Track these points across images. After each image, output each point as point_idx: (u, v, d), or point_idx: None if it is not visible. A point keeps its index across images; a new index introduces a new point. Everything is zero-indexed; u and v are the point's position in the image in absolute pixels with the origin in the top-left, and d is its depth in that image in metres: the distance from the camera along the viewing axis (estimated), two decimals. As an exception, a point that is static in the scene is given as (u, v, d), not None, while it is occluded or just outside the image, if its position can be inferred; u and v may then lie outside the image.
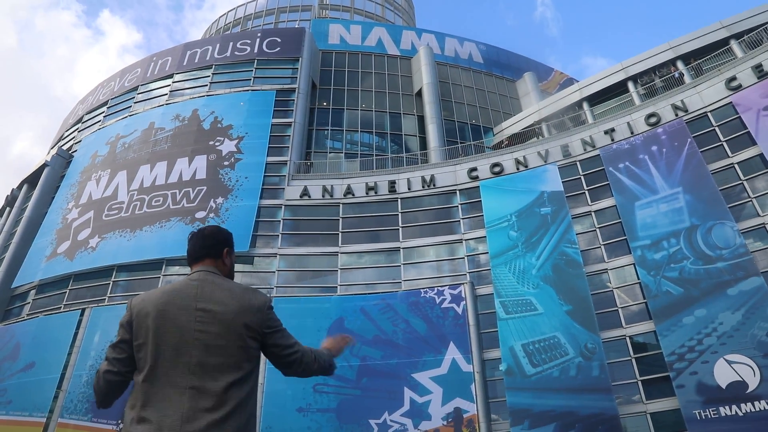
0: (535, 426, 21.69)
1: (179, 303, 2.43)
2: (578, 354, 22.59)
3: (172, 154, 32.95)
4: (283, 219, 29.89)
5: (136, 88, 39.38)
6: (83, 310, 27.51)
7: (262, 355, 2.61)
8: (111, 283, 28.81)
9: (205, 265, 2.68)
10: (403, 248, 28.35)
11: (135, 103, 38.43)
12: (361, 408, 23.44)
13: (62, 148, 39.99)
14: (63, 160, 38.05)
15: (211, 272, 2.63)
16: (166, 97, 37.24)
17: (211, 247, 2.73)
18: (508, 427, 22.30)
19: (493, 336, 24.50)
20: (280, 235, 29.32)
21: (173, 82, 38.03)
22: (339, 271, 28.14)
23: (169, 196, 30.99)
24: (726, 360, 20.50)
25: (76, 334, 26.57)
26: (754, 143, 24.16)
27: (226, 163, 31.75)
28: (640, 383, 22.13)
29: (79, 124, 41.51)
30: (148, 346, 2.36)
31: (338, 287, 27.66)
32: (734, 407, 19.72)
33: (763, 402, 19.35)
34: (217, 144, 32.64)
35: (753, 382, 19.81)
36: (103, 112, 39.83)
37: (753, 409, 19.44)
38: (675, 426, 20.80)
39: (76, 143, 39.35)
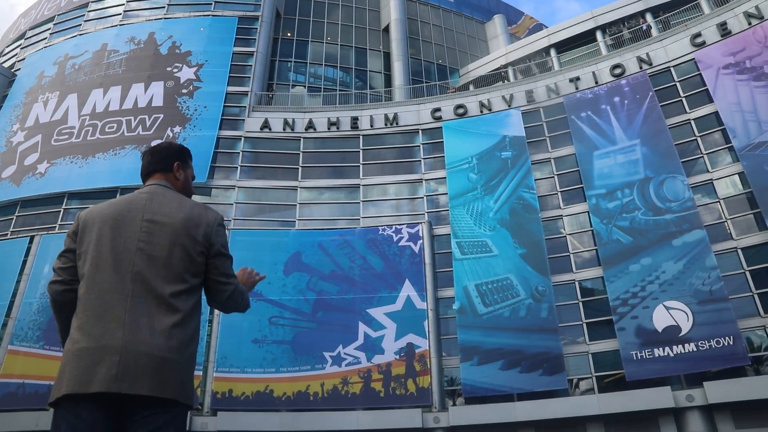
0: (484, 362, 22.63)
1: (125, 214, 2.36)
2: (529, 296, 23.42)
3: (126, 78, 31.49)
4: (243, 151, 29.30)
5: (86, 5, 37.03)
6: (32, 237, 26.70)
7: None
8: (62, 210, 27.94)
9: (156, 179, 2.60)
10: (363, 185, 28.32)
11: (85, 21, 36.22)
12: (316, 341, 23.91)
13: (2, 65, 37.49)
14: (5, 78, 35.55)
15: (161, 185, 2.56)
16: (119, 17, 35.22)
17: (160, 162, 2.65)
18: (457, 363, 23.20)
19: (448, 275, 25.08)
20: (239, 168, 28.81)
21: (127, 2, 35.92)
22: (298, 206, 28.00)
23: (124, 123, 29.84)
24: (665, 306, 21.64)
25: (25, 261, 25.85)
26: (711, 101, 24.71)
27: (184, 91, 30.60)
28: (584, 325, 23.22)
29: (22, 41, 38.93)
30: (89, 255, 2.30)
31: (296, 222, 27.60)
32: (667, 349, 20.99)
33: (692, 344, 20.65)
34: (175, 71, 31.32)
35: (686, 326, 21.03)
36: (49, 29, 37.42)
37: (683, 351, 20.74)
38: (613, 365, 22.06)
39: (18, 61, 37.02)
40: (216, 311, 24.34)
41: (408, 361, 23.31)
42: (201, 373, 23.22)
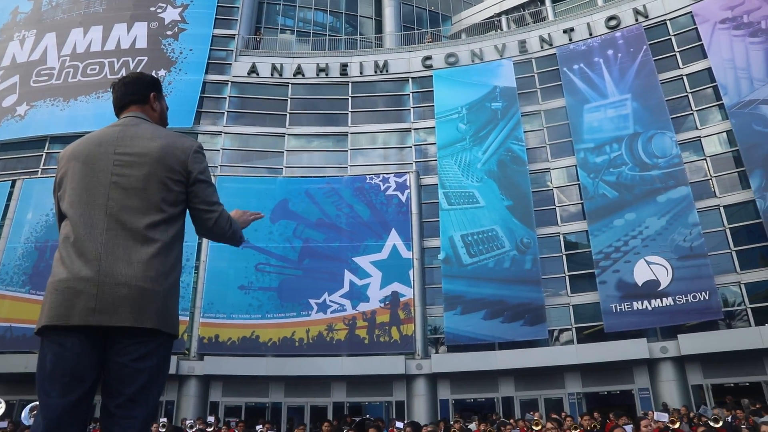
0: (467, 312, 23.03)
1: (97, 149, 2.32)
2: (514, 247, 23.67)
3: (108, 18, 30.38)
4: (230, 96, 28.73)
5: (62, -65, 35.34)
6: (14, 181, 26.24)
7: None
8: (44, 154, 27.40)
9: (132, 111, 2.53)
10: (351, 133, 28.03)
11: (61, -48, 34.59)
12: (302, 288, 24.13)
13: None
14: (-25, 12, 34.15)
15: (137, 117, 2.49)
16: (99, -50, 33.68)
17: (136, 93, 2.57)
18: (441, 312, 23.61)
19: (434, 225, 25.22)
20: (226, 113, 28.32)
21: (108, -66, 34.31)
22: (285, 153, 27.73)
23: (106, 64, 28.99)
24: (646, 261, 22.01)
25: (7, 206, 25.48)
26: (705, 56, 24.47)
27: (168, 32, 29.66)
28: (567, 278, 23.61)
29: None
30: (66, 193, 2.28)
31: (284, 169, 27.40)
32: (645, 302, 21.46)
33: (670, 298, 21.13)
34: (159, 11, 30.26)
35: (665, 281, 21.46)
36: (22, -40, 35.72)
37: (661, 305, 21.24)
38: (593, 318, 22.57)
39: (-11, -6, 35.51)
40: (203, 257, 24.45)
41: (392, 309, 23.66)
42: (187, 318, 23.47)
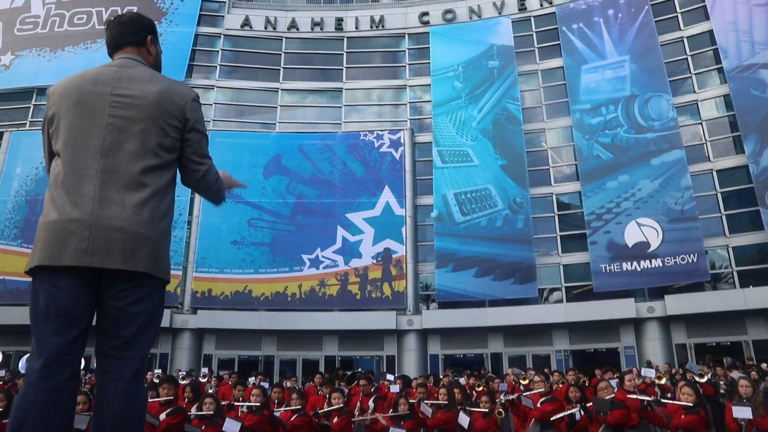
0: (459, 269, 23.24)
1: (94, 87, 2.24)
2: (506, 207, 23.73)
3: (95, -36, 29.46)
4: (222, 49, 28.17)
5: None
6: (1, 134, 25.84)
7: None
8: (32, 106, 26.93)
9: (127, 53, 2.43)
10: (345, 89, 27.67)
11: None
12: (295, 243, 24.20)
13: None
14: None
15: (133, 59, 2.41)
16: None
17: (133, 33, 2.47)
18: (433, 269, 23.81)
19: (428, 183, 25.20)
20: (219, 67, 27.83)
21: None
22: (279, 108, 27.41)
23: (94, 14, 28.24)
24: (637, 222, 22.16)
25: (-6, 159, 25.16)
26: (707, 18, 24.13)
27: (159, -19, 28.83)
28: (558, 238, 23.79)
29: None
30: (60, 131, 2.23)
31: (277, 125, 27.13)
32: (635, 263, 21.72)
33: (659, 260, 21.39)
34: (149, -42, 29.34)
35: (655, 242, 21.67)
36: None
37: (650, 266, 21.50)
38: (582, 277, 22.85)
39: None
40: (195, 212, 24.40)
41: (384, 265, 23.83)
42: (180, 273, 23.57)
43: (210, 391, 11.79)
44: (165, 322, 22.49)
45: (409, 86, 27.57)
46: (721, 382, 12.55)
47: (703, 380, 7.16)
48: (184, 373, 14.93)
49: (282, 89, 27.66)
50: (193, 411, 6.74)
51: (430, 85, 26.90)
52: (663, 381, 7.71)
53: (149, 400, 7.16)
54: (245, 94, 27.78)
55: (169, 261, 2.33)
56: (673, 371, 14.84)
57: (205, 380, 13.10)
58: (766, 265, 20.60)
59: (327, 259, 23.96)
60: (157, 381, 11.38)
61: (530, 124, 25.54)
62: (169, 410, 6.60)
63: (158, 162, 2.23)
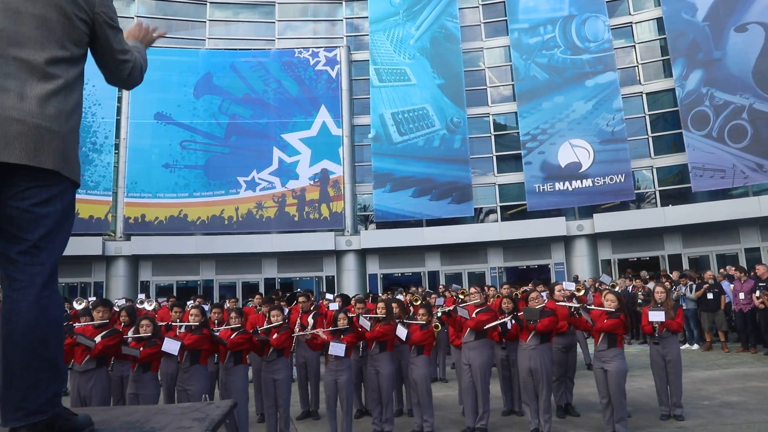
0: (396, 189, 23.39)
1: None
2: (444, 127, 23.75)
3: None
4: (143, -45, 25.91)
5: None
6: None
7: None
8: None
9: None
10: (279, 3, 26.26)
11: None
12: (230, 165, 23.56)
13: None
14: None
15: None
16: None
17: None
18: (370, 190, 23.87)
19: (365, 102, 24.80)
20: (139, -25, 25.71)
21: None
22: (208, 23, 25.83)
23: None
24: (570, 143, 22.73)
25: None
26: (644, -63, 23.98)
27: None
28: (494, 158, 24.19)
29: None
30: None
31: (207, 41, 25.66)
32: (567, 183, 22.48)
33: (589, 180, 22.21)
34: None
35: (586, 163, 22.41)
36: None
37: (581, 186, 22.32)
38: (517, 197, 23.51)
39: None
40: (122, 135, 23.21)
41: (322, 186, 23.68)
42: (110, 198, 22.68)
43: (148, 308, 11.62)
44: (97, 250, 21.82)
45: (346, 1, 26.46)
46: (639, 293, 13.44)
47: (616, 290, 7.75)
48: (122, 302, 14.63)
49: (211, 2, 25.97)
50: (130, 334, 6.62)
51: (367, 0, 25.89)
52: (581, 293, 8.16)
53: (83, 324, 6.97)
54: (170, 6, 25.91)
55: (79, 163, 2.11)
56: (597, 284, 15.80)
57: (141, 306, 12.90)
58: (685, 185, 21.77)
59: (263, 181, 23.53)
60: (91, 307, 11.13)
61: (468, 43, 25.23)
62: (104, 333, 6.45)
63: (65, 55, 1.98)
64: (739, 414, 7.09)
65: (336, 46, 25.19)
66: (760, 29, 21.08)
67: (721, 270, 15.00)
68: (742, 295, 12.09)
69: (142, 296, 16.27)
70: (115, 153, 23.24)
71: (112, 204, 22.79)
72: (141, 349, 6.22)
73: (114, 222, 22.89)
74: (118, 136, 23.35)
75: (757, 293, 11.02)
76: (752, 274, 12.49)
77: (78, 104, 2.06)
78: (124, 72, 2.19)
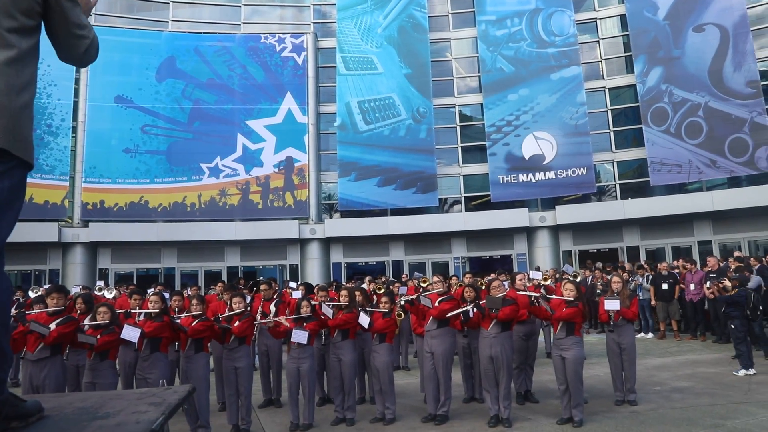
0: (361, 178, 23.34)
1: None
2: (410, 116, 23.77)
3: None
4: (103, -68, 25.05)
5: None
6: None
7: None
8: None
9: None
10: (245, -13, 25.81)
11: None
12: (193, 151, 23.10)
13: None
14: None
15: None
16: None
17: None
18: (335, 178, 23.77)
19: (331, 90, 24.62)
20: (99, -48, 24.85)
21: None
22: (171, 4, 25.17)
23: None
24: (534, 136, 23.04)
25: None
26: (610, -67, 24.35)
27: None
28: (460, 149, 24.36)
29: None
30: None
31: (170, 23, 25.02)
32: (530, 175, 22.81)
33: (552, 172, 22.59)
34: None
35: (550, 155, 22.77)
36: None
37: (544, 177, 22.67)
38: (481, 188, 23.74)
39: None
40: (80, 118, 22.51)
41: (287, 174, 23.46)
42: (67, 183, 21.99)
43: (108, 296, 11.34)
44: (53, 236, 21.18)
45: (314, -13, 26.19)
46: (598, 283, 13.76)
47: (577, 280, 7.90)
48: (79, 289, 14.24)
49: (174, -18, 25.32)
50: (87, 322, 6.43)
51: (335, -14, 25.68)
52: (548, 282, 8.31)
53: (37, 311, 6.73)
54: (132, -15, 25.17)
55: (32, 143, 1.99)
56: (557, 275, 16.14)
57: (100, 294, 12.58)
58: (644, 179, 22.34)
59: (227, 168, 23.18)
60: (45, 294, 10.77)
61: (436, 33, 25.26)
62: (59, 320, 6.26)
63: (14, 25, 1.86)
64: (687, 398, 7.37)
65: (303, 33, 24.90)
66: (716, 30, 21.72)
67: (675, 262, 15.48)
68: (692, 286, 12.53)
69: (100, 284, 15.86)
70: (72, 137, 22.53)
71: (68, 189, 22.12)
72: (98, 336, 6.07)
73: (71, 208, 22.24)
74: (75, 119, 22.65)
75: (708, 284, 11.41)
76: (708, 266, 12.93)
77: (31, 80, 1.94)
78: (80, 48, 2.05)
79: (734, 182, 21.76)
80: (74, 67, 22.91)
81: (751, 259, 13.34)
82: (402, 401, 7.65)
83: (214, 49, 24.10)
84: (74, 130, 22.57)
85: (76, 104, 22.64)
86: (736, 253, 14.20)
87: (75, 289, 13.15)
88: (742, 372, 8.64)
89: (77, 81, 22.92)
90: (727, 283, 9.41)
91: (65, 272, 21.82)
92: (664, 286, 13.02)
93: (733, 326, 8.97)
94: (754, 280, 10.62)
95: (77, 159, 22.48)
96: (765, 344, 10.08)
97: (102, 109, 22.73)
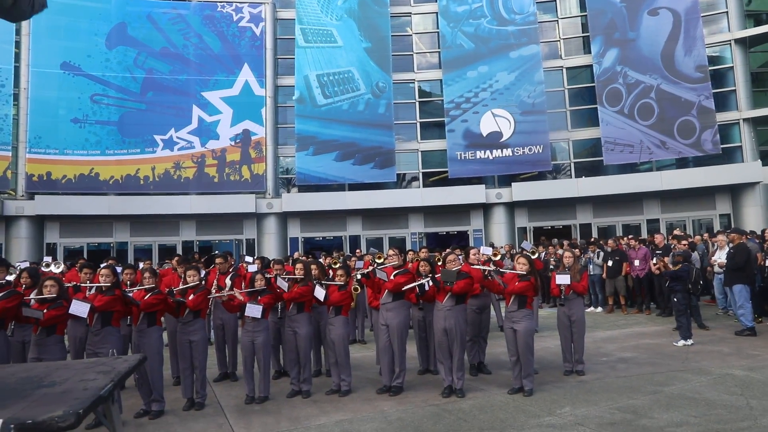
0: (319, 153, 23.15)
1: None
2: (369, 91, 23.60)
3: None
4: None
5: None
6: None
7: None
8: None
9: None
10: (201, -48, 24.93)
11: None
12: (146, 123, 22.41)
13: None
14: None
15: None
16: None
17: None
18: (293, 152, 23.51)
19: (289, 63, 24.19)
20: None
21: None
22: (121, -32, 24.12)
23: None
24: (492, 113, 23.24)
25: None
26: None
27: None
28: (418, 125, 24.39)
29: None
30: None
31: (120, -13, 24.00)
32: (488, 152, 23.05)
33: (509, 150, 22.89)
34: None
35: (507, 133, 23.03)
36: None
37: (501, 155, 22.96)
38: (439, 164, 23.89)
39: None
40: (23, 85, 21.51)
41: (243, 147, 23.06)
42: (10, 154, 21.07)
43: (55, 271, 11.00)
44: (-5, 210, 20.36)
45: (272, -46, 25.50)
46: (551, 259, 14.10)
47: (535, 257, 8.07)
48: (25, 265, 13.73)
49: (124, -55, 24.22)
50: (33, 296, 6.23)
51: (294, -45, 25.07)
52: (498, 258, 8.46)
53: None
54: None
55: None
56: (513, 251, 16.47)
57: (48, 270, 12.18)
58: (598, 158, 22.87)
59: (182, 140, 22.61)
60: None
61: (396, 7, 25.03)
62: (1, 294, 6.06)
63: None
64: (631, 368, 7.70)
65: (261, 3, 24.26)
66: (669, 14, 22.22)
67: (623, 239, 15.99)
68: (636, 262, 13.03)
69: (48, 259, 15.34)
70: (15, 104, 21.54)
71: (11, 160, 21.21)
72: (45, 311, 5.90)
73: (14, 179, 21.36)
74: (17, 85, 21.62)
75: (654, 260, 11.85)
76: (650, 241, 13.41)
77: None
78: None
79: (682, 163, 22.55)
80: (13, 29, 21.80)
81: (696, 237, 13.94)
82: (358, 373, 7.74)
83: (168, 16, 23.27)
84: (16, 97, 21.57)
85: (17, 69, 21.60)
86: (676, 231, 14.78)
87: (21, 266, 12.70)
88: (681, 342, 9.08)
89: (18, 45, 21.81)
90: (668, 260, 9.85)
91: (9, 247, 21.02)
92: (610, 263, 13.46)
93: (675, 299, 9.37)
94: (695, 257, 11.13)
95: (20, 128, 21.54)
96: (698, 315, 10.66)
97: (47, 75, 21.76)
